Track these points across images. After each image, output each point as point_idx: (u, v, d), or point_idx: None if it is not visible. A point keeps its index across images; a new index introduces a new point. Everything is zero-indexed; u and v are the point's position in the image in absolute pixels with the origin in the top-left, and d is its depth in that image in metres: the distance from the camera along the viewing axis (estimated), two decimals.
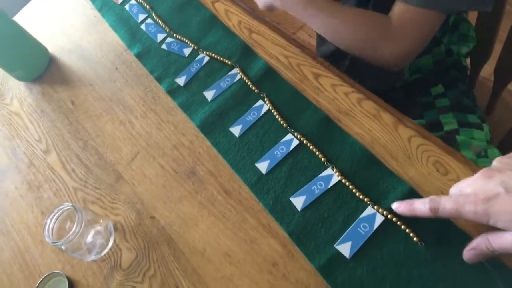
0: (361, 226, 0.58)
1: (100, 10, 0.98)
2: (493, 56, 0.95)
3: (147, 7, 0.92)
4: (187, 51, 0.83)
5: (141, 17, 0.92)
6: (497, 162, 0.48)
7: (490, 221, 0.44)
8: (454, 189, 0.51)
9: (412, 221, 0.56)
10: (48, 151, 0.84)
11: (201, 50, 0.82)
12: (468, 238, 0.52)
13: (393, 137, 0.63)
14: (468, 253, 0.50)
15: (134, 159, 0.76)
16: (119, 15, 0.94)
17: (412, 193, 0.58)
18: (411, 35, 0.70)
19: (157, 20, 0.89)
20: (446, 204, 0.48)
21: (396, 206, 0.55)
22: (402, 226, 0.56)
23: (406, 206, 0.53)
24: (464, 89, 0.90)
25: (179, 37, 0.85)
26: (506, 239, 0.45)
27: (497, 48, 0.92)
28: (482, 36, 0.91)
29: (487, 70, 1.01)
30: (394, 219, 0.57)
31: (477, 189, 0.46)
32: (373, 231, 0.57)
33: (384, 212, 0.58)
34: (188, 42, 0.84)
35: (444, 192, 0.57)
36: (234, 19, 0.82)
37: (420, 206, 0.51)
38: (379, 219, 0.58)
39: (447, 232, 0.55)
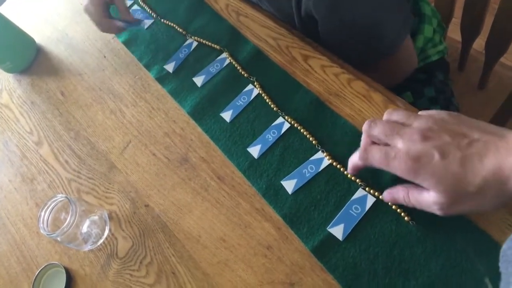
0: (353, 208, 0.58)
1: None
2: (484, 29, 0.94)
3: None
4: (147, 22, 0.84)
5: (127, 3, 0.90)
6: (433, 122, 0.47)
7: (417, 180, 0.46)
8: (389, 116, 0.52)
9: None
10: (40, 143, 0.84)
11: (189, 35, 0.81)
12: (458, 216, 0.52)
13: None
14: (387, 195, 0.53)
15: (126, 148, 0.76)
16: None
17: None
18: (409, 64, 0.81)
19: (144, 6, 0.88)
20: (375, 155, 0.48)
21: (348, 170, 0.56)
22: (393, 206, 0.56)
23: (349, 163, 0.55)
24: (432, 96, 0.89)
25: (167, 22, 0.84)
26: (424, 197, 0.47)
27: (488, 21, 0.91)
28: (472, 9, 0.90)
29: (479, 43, 1.00)
30: None
31: (411, 147, 0.46)
32: (365, 212, 0.58)
33: (376, 193, 0.58)
34: (176, 27, 0.83)
35: None
36: (222, 2, 0.81)
37: (355, 158, 0.53)
38: (371, 200, 0.58)
39: None
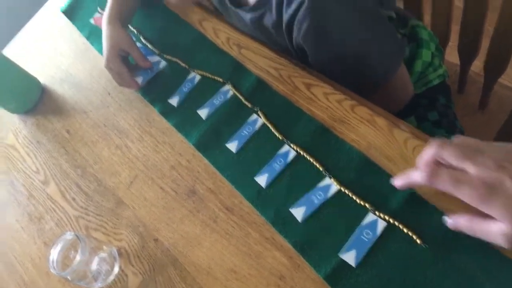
0: (364, 233, 0.58)
1: (88, 38, 0.98)
2: (481, 51, 0.96)
3: (135, 31, 0.93)
4: (150, 59, 0.86)
5: (161, 65, 0.91)
6: (507, 152, 0.46)
7: (486, 208, 0.44)
8: (460, 141, 0.49)
9: (415, 223, 0.56)
10: (46, 182, 0.84)
11: (192, 69, 0.82)
12: (471, 238, 0.52)
13: (388, 140, 0.63)
14: (451, 221, 0.50)
15: (133, 183, 0.77)
16: None
17: (412, 196, 0.58)
18: (405, 92, 0.83)
19: (146, 43, 0.90)
20: (445, 177, 0.46)
21: (394, 182, 0.53)
22: (405, 229, 0.56)
23: (404, 178, 0.52)
24: (436, 119, 0.90)
25: (170, 57, 0.86)
26: (490, 227, 0.45)
27: (485, 43, 0.92)
28: (469, 32, 0.92)
29: (477, 65, 1.02)
30: (396, 223, 0.57)
31: (485, 174, 0.44)
32: (376, 237, 0.57)
33: (386, 217, 0.58)
34: (179, 62, 0.84)
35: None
36: (223, 36, 0.83)
37: (415, 176, 0.49)
38: (382, 225, 0.58)
39: (449, 232, 0.55)
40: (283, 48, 0.79)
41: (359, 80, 0.73)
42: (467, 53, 0.98)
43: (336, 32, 0.69)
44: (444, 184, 0.46)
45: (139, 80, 0.85)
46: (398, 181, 0.52)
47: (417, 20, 0.93)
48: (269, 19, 0.75)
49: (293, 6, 0.69)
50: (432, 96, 0.92)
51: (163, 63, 0.86)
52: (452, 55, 1.08)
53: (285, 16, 0.71)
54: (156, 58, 0.87)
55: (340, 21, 0.68)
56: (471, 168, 0.45)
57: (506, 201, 0.43)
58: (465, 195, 0.45)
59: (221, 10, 0.89)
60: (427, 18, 1.01)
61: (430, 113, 0.91)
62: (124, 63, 0.83)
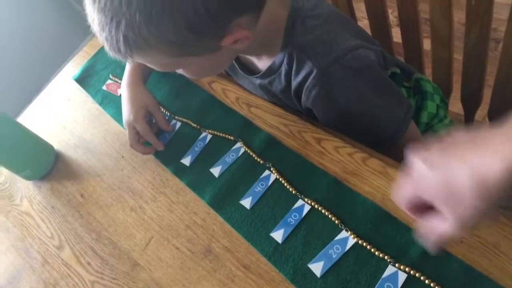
0: (385, 286, 0.57)
1: (101, 103, 1.01)
2: (484, 101, 0.98)
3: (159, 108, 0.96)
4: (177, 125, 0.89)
5: (177, 126, 0.91)
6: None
7: None
8: None
9: (437, 273, 0.55)
10: (61, 247, 0.84)
11: (203, 129, 0.84)
12: (492, 283, 0.51)
13: None
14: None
15: (149, 244, 0.76)
16: (120, 106, 0.97)
17: None
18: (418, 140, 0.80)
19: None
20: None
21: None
22: (427, 281, 0.56)
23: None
24: None
25: (181, 119, 0.88)
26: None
27: (487, 92, 0.94)
28: (470, 83, 0.94)
29: (479, 114, 1.03)
30: (417, 274, 0.56)
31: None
32: None
33: (407, 269, 0.57)
34: (190, 123, 0.86)
35: (464, 240, 0.57)
36: (232, 96, 0.85)
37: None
38: (402, 277, 0.57)
39: (471, 280, 0.54)
40: (292, 108, 0.82)
41: (369, 141, 0.74)
42: (470, 103, 1.00)
43: (344, 99, 0.72)
44: None
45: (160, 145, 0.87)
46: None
47: (421, 74, 0.96)
48: (277, 86, 0.78)
49: (302, 74, 0.71)
50: None
51: (177, 125, 0.88)
52: (455, 106, 1.10)
53: (294, 83, 0.74)
54: (171, 121, 0.89)
55: (348, 88, 0.71)
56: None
57: None
58: None
59: (232, 74, 0.92)
60: (428, 71, 1.04)
61: None
62: (147, 125, 0.86)
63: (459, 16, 0.86)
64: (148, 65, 0.68)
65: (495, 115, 0.95)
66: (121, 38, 0.58)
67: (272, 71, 0.76)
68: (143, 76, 0.91)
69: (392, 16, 0.99)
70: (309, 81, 0.70)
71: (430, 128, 0.92)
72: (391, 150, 0.72)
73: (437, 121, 0.91)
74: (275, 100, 0.84)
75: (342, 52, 0.69)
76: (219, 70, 0.84)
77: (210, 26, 0.59)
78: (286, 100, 0.80)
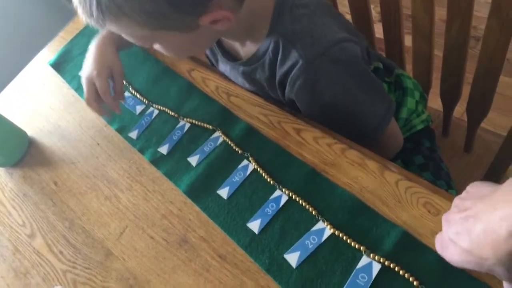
0: (359, 276, 0.57)
1: (77, 89, 0.99)
2: (463, 97, 0.98)
3: (124, 82, 0.94)
4: (139, 108, 0.88)
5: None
6: (453, 204, 0.50)
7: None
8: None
9: (410, 265, 0.55)
10: (33, 235, 0.82)
11: (181, 117, 0.83)
12: (467, 276, 0.52)
13: (380, 183, 0.63)
14: None
15: (123, 233, 0.75)
16: None
17: (407, 237, 0.58)
18: (395, 143, 0.84)
19: (135, 93, 0.91)
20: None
21: None
22: (401, 272, 0.56)
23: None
24: (422, 163, 0.92)
25: (159, 107, 0.86)
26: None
27: (466, 89, 0.95)
28: (450, 79, 0.95)
29: (458, 110, 1.04)
30: (391, 265, 0.56)
31: (442, 233, 0.48)
32: (372, 280, 0.56)
33: (381, 260, 0.57)
34: (168, 111, 0.85)
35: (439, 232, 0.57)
36: (212, 85, 0.84)
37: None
38: (376, 267, 0.57)
39: (446, 271, 0.54)
40: (273, 99, 0.81)
41: (349, 135, 0.74)
42: (449, 99, 1.01)
43: (329, 92, 0.71)
44: None
45: (135, 133, 0.85)
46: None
47: (401, 70, 0.96)
48: (261, 74, 0.77)
49: (288, 64, 0.70)
50: (416, 140, 0.93)
51: (155, 113, 0.86)
52: (434, 101, 1.11)
53: (278, 73, 0.73)
54: (149, 109, 0.87)
55: (334, 81, 0.70)
56: None
57: None
58: None
59: (213, 60, 0.91)
60: (408, 67, 1.04)
61: (416, 157, 0.92)
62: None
63: (440, 13, 0.86)
64: (123, 35, 0.66)
65: (473, 111, 0.96)
66: (94, 2, 0.57)
67: (256, 58, 0.75)
68: (118, 42, 0.86)
69: (374, 11, 0.99)
70: (294, 71, 0.69)
71: (408, 123, 0.92)
72: (372, 145, 0.72)
73: (415, 116, 0.92)
74: (257, 89, 0.82)
75: (329, 44, 0.68)
76: (198, 51, 0.82)
77: (188, 1, 0.57)
78: (270, 89, 0.79)
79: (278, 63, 0.72)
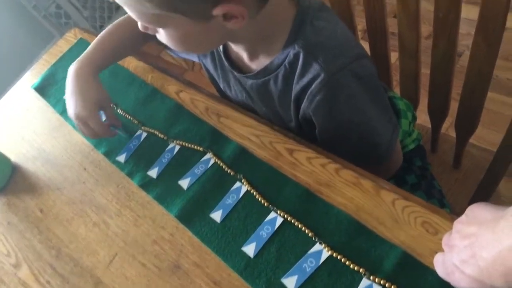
0: None
1: (62, 113, 0.97)
2: (450, 113, 0.99)
3: (111, 104, 0.92)
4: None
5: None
6: (454, 228, 0.51)
7: None
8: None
9: (411, 286, 0.55)
10: (18, 265, 0.79)
11: (171, 139, 0.82)
12: None
13: (377, 202, 0.62)
14: None
15: (113, 261, 0.73)
16: None
17: (406, 257, 0.57)
18: (396, 164, 0.84)
19: (124, 114, 0.89)
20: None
21: None
22: None
23: None
24: (414, 182, 0.92)
25: (148, 129, 0.85)
26: None
27: (453, 105, 0.96)
28: (437, 96, 0.95)
29: (445, 125, 1.05)
30: (392, 287, 0.55)
31: (445, 258, 0.49)
32: None
33: (381, 281, 0.56)
34: (157, 133, 0.83)
35: (438, 251, 0.56)
36: (201, 106, 0.83)
37: None
38: None
39: None
40: (278, 116, 0.79)
41: (362, 155, 0.73)
42: (437, 116, 1.01)
43: (348, 107, 0.70)
44: None
45: (123, 157, 0.84)
46: None
47: (392, 91, 0.96)
48: (273, 88, 0.74)
49: (308, 77, 0.68)
50: (408, 159, 0.93)
51: (143, 135, 0.85)
52: (420, 116, 1.11)
53: (296, 87, 0.70)
54: (137, 131, 0.86)
55: (353, 96, 0.69)
56: None
57: None
58: None
59: (215, 72, 0.87)
60: (394, 83, 1.05)
61: (408, 176, 0.92)
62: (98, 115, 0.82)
63: (423, 30, 0.87)
64: (129, 11, 0.63)
65: (461, 127, 0.96)
66: None
67: (268, 71, 0.72)
68: (97, 67, 0.84)
69: (357, 30, 1.00)
70: (314, 85, 0.67)
71: (400, 144, 0.92)
72: (375, 167, 0.71)
73: (407, 136, 0.92)
74: (264, 104, 0.80)
75: (351, 59, 0.67)
76: (202, 48, 0.77)
77: None
78: (280, 104, 0.76)
79: (296, 76, 0.69)
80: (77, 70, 0.83)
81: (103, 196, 0.81)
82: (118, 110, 0.91)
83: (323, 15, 0.70)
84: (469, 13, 0.98)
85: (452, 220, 0.58)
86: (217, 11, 0.58)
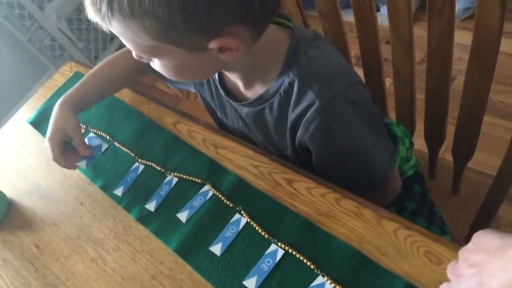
0: None
1: None
2: (448, 138, 0.99)
3: (107, 137, 0.92)
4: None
5: (103, 147, 0.91)
6: (460, 256, 0.50)
7: None
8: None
9: None
10: None
11: (168, 172, 0.81)
12: None
13: (378, 232, 0.62)
14: None
15: None
16: None
17: None
18: (395, 191, 0.84)
19: (122, 147, 0.89)
20: None
21: None
22: None
23: None
24: (414, 208, 0.91)
25: (145, 161, 0.84)
26: None
27: (450, 129, 0.96)
28: (433, 121, 0.96)
29: (442, 149, 1.05)
30: None
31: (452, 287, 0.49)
32: None
33: None
34: (155, 166, 0.83)
35: (442, 281, 0.55)
36: (198, 137, 0.83)
37: None
38: None
39: None
40: (274, 144, 0.79)
41: (358, 181, 0.73)
42: (434, 142, 1.01)
43: (344, 134, 0.69)
44: None
45: (120, 190, 0.83)
46: None
47: (388, 118, 0.97)
48: (268, 116, 0.74)
49: (303, 105, 0.68)
50: (407, 186, 0.93)
51: (140, 168, 0.84)
52: (416, 141, 1.11)
53: (291, 115, 0.70)
54: (134, 164, 0.85)
55: (348, 124, 0.69)
56: None
57: None
58: None
59: (212, 101, 0.86)
60: (389, 107, 1.05)
61: (408, 202, 0.91)
62: (62, 149, 0.83)
63: (415, 55, 0.88)
64: (125, 42, 0.63)
65: (459, 152, 0.96)
66: None
67: (263, 99, 0.72)
68: (80, 101, 0.87)
69: (351, 56, 1.01)
70: (309, 113, 0.67)
71: (399, 171, 0.92)
72: (373, 194, 0.71)
73: (405, 163, 0.92)
74: (260, 132, 0.80)
75: (346, 87, 0.67)
76: (197, 78, 0.78)
77: (204, 19, 0.55)
78: (275, 132, 0.76)
79: (291, 104, 0.69)
80: (59, 103, 0.86)
81: (100, 230, 0.80)
82: (115, 143, 0.90)
83: (317, 44, 0.70)
84: (461, 38, 0.99)
85: (454, 249, 0.57)
86: (213, 45, 0.59)
